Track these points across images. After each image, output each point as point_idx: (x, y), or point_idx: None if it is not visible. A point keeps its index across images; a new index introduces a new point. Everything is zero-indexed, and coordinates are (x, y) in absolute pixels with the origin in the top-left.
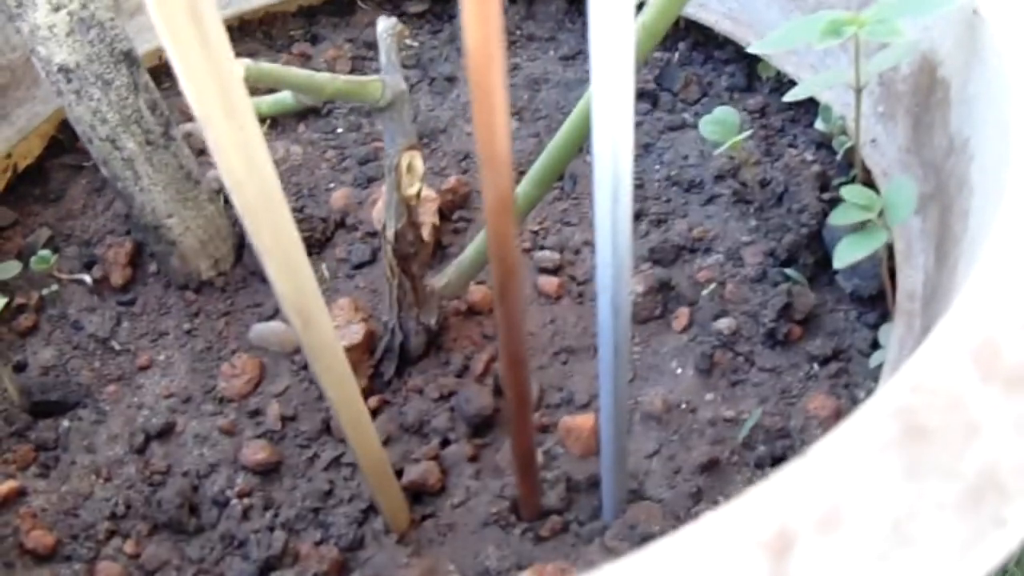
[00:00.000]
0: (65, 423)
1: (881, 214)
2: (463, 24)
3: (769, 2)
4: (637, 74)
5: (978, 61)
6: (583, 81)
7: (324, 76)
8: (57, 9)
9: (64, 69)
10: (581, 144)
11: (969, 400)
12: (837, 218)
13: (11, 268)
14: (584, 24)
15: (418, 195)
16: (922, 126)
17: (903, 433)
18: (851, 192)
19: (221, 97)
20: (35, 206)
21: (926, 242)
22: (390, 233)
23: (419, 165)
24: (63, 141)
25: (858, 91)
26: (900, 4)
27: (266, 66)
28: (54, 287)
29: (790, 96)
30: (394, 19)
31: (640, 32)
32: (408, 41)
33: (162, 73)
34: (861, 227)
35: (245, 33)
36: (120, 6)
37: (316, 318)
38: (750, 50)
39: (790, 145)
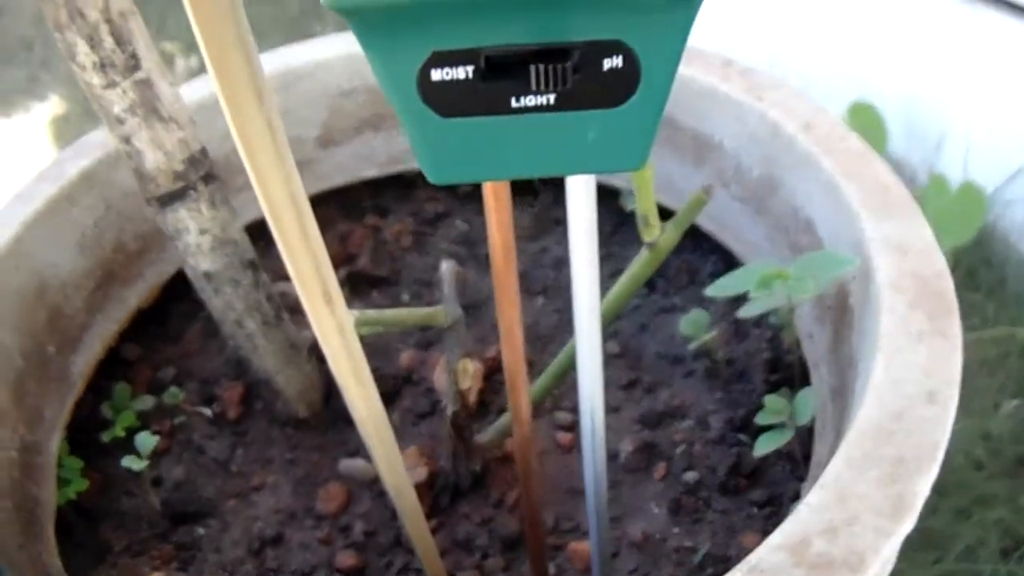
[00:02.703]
0: (199, 530)
1: (792, 416)
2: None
3: (742, 211)
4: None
5: (869, 305)
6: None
7: (405, 312)
8: (203, 233)
9: (207, 274)
10: None
11: None
12: (761, 419)
13: (148, 402)
14: (602, 210)
15: (470, 389)
16: (839, 337)
17: None
18: (770, 400)
19: (347, 354)
20: (158, 344)
21: (832, 425)
22: (449, 412)
23: (471, 368)
24: (179, 289)
25: (791, 311)
26: (809, 266)
27: (369, 313)
28: (182, 417)
29: (743, 313)
30: (453, 262)
31: (626, 282)
32: (458, 222)
33: (258, 234)
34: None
35: (325, 203)
36: (229, 185)
37: (401, 479)
38: (707, 292)
39: (755, 325)
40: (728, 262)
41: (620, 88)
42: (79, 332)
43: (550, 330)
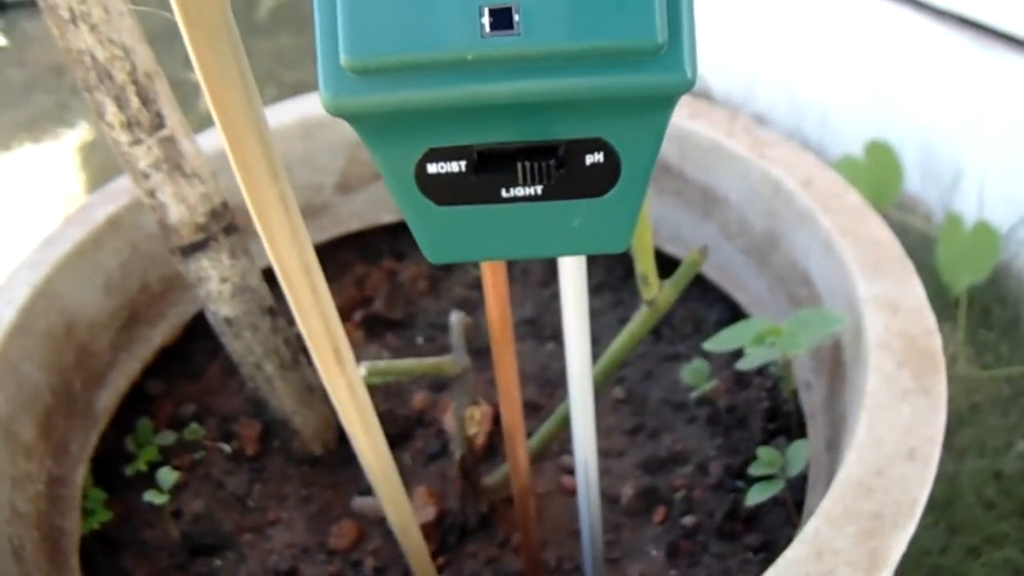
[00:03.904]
0: (216, 561)
1: (784, 467)
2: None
3: (746, 263)
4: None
5: (859, 362)
6: (607, 309)
7: (414, 362)
8: (224, 281)
9: (227, 320)
10: None
11: None
12: (754, 469)
13: (169, 437)
14: (614, 257)
15: (477, 435)
16: (833, 390)
17: None
18: (763, 452)
19: (356, 408)
20: (180, 380)
21: (825, 476)
22: (457, 456)
23: (478, 415)
24: (201, 328)
25: (787, 365)
26: (802, 323)
27: (380, 364)
28: (201, 453)
29: (741, 365)
30: (462, 313)
31: (626, 337)
32: (471, 267)
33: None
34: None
35: (343, 247)
36: (248, 228)
37: (406, 520)
38: (705, 346)
39: (757, 374)
40: (732, 311)
41: (602, 180)
42: (105, 369)
43: (559, 375)
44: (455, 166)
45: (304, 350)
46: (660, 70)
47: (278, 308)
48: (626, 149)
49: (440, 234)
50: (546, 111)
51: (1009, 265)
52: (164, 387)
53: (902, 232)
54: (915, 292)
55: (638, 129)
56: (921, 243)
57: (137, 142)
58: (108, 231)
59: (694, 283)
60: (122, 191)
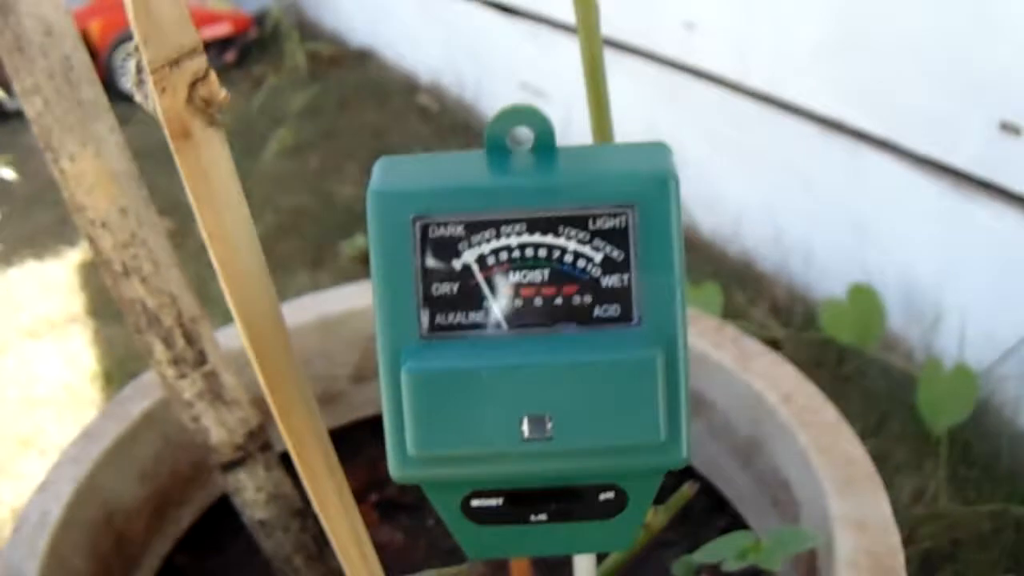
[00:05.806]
0: None
1: None
2: None
3: (730, 462)
4: None
5: (830, 574)
6: None
7: (433, 573)
8: (259, 491)
9: (261, 522)
10: None
11: None
12: None
13: None
14: None
15: None
16: None
17: None
18: None
19: None
20: (206, 552)
21: None
22: None
23: None
24: (225, 505)
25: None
26: (780, 540)
27: None
28: None
29: (725, 567)
30: None
31: (618, 557)
32: None
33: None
34: None
35: (357, 430)
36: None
37: None
38: (694, 558)
39: None
40: (719, 501)
41: (611, 508)
42: (139, 551)
43: (560, 558)
44: (494, 501)
45: (328, 543)
46: (662, 455)
47: (306, 510)
48: (632, 490)
49: (479, 540)
50: (574, 473)
51: (989, 401)
52: (190, 560)
53: (885, 371)
54: (882, 510)
55: (643, 479)
56: (903, 381)
57: (182, 376)
58: (143, 425)
59: (685, 475)
60: (154, 385)
